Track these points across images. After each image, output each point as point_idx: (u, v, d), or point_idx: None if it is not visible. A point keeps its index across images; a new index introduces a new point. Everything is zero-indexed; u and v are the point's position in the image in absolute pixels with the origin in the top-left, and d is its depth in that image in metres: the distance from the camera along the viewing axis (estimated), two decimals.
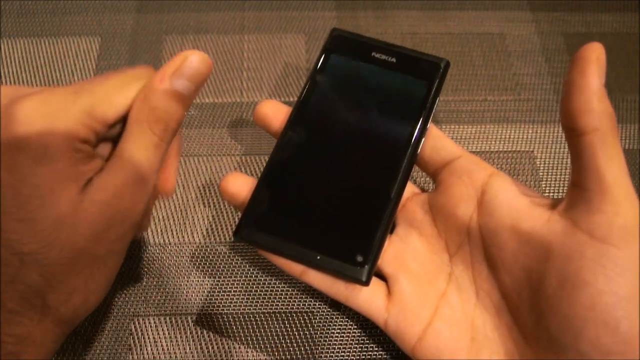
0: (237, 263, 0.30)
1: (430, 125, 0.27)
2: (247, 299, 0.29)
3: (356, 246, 0.24)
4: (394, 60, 0.28)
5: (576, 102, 0.21)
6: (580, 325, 0.20)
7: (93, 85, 0.22)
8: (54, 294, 0.20)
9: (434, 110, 0.27)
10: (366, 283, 0.24)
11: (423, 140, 0.26)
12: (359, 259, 0.24)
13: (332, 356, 0.28)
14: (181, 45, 0.38)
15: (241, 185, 0.26)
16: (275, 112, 0.28)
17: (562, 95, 0.22)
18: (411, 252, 0.26)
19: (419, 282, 0.26)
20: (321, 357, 0.28)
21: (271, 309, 0.29)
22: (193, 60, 0.22)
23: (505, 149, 0.35)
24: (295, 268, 0.25)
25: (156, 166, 0.23)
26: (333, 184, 0.26)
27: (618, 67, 0.37)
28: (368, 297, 0.25)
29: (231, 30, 0.39)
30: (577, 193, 0.21)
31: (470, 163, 0.26)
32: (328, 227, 0.25)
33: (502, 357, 0.23)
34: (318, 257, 0.24)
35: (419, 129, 0.26)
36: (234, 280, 0.30)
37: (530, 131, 0.35)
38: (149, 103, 0.22)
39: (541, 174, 0.34)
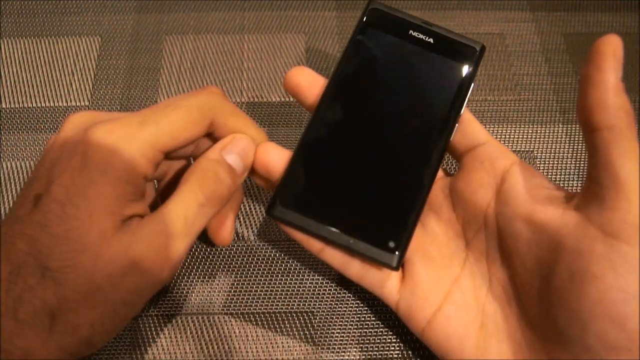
0: (237, 263, 0.30)
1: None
2: (247, 299, 0.29)
3: (389, 232, 0.24)
4: (430, 40, 0.27)
5: (591, 98, 0.20)
6: (587, 319, 0.20)
7: (159, 115, 0.22)
8: (62, 319, 0.20)
9: (469, 95, 0.26)
10: (396, 269, 0.24)
11: (456, 126, 0.26)
12: (392, 244, 0.24)
13: (332, 356, 0.28)
14: (181, 45, 0.38)
15: (278, 157, 0.25)
16: (310, 85, 0.26)
17: (578, 90, 0.21)
18: (429, 236, 0.27)
19: (434, 266, 0.26)
20: (321, 357, 0.28)
21: (271, 309, 0.29)
22: (241, 140, 0.25)
23: None
24: (314, 245, 0.25)
25: (194, 227, 0.23)
26: (368, 165, 0.25)
27: None
28: (382, 279, 0.26)
29: (231, 30, 0.39)
30: (592, 188, 0.21)
31: (495, 150, 0.26)
32: (362, 210, 0.25)
33: (509, 346, 0.24)
34: (351, 241, 0.24)
35: (454, 114, 0.26)
36: (234, 280, 0.30)
37: (530, 131, 0.35)
38: (200, 165, 0.23)
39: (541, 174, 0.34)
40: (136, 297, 0.22)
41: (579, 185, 0.33)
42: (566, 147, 0.35)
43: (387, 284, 0.26)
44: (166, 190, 0.27)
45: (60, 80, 0.36)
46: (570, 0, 0.41)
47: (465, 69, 0.27)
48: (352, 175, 0.25)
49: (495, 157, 0.25)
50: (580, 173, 0.34)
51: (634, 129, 0.20)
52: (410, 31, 0.27)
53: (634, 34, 0.39)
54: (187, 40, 0.38)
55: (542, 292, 0.22)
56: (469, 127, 0.26)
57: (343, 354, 0.28)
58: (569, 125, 0.35)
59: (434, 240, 0.26)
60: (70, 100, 0.35)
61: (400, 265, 0.24)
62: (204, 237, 0.31)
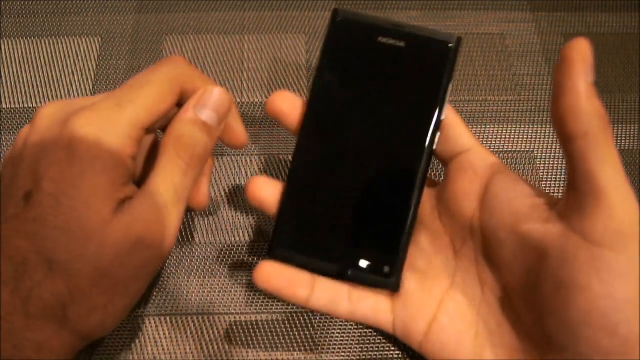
0: (237, 263, 0.30)
1: (446, 111, 0.25)
2: (247, 299, 0.29)
3: (383, 257, 0.25)
4: (402, 43, 0.26)
5: (563, 106, 0.20)
6: (578, 327, 0.20)
7: (133, 94, 0.23)
8: (74, 308, 0.20)
9: (447, 96, 0.25)
10: (397, 290, 0.25)
11: (438, 134, 0.25)
12: (386, 269, 0.25)
13: (332, 356, 0.28)
14: (181, 45, 0.38)
15: (271, 191, 0.26)
16: (290, 107, 0.26)
17: (551, 98, 0.21)
18: (417, 249, 0.26)
19: (423, 278, 0.26)
20: (321, 357, 0.28)
21: (271, 309, 0.29)
22: (213, 91, 0.25)
23: (505, 149, 0.35)
24: (300, 297, 0.25)
25: (184, 191, 0.24)
26: (356, 192, 0.26)
27: (618, 67, 0.37)
28: (372, 306, 0.26)
29: (231, 30, 0.39)
30: (572, 195, 0.21)
31: (477, 158, 0.25)
32: (356, 239, 0.26)
33: (504, 352, 0.24)
34: (349, 272, 0.25)
35: (434, 123, 0.25)
36: (234, 280, 0.30)
37: (530, 131, 0.35)
38: (175, 132, 0.24)
39: (541, 174, 0.34)
40: (143, 271, 0.23)
41: None
42: None
43: (378, 308, 0.26)
44: (144, 164, 0.27)
45: (60, 80, 0.36)
46: (570, 0, 0.41)
47: (440, 69, 0.25)
48: (342, 206, 0.26)
49: (478, 165, 0.25)
50: None
51: (609, 134, 0.20)
52: (381, 34, 0.26)
53: (634, 34, 0.39)
54: (187, 40, 0.38)
55: (531, 300, 0.22)
56: (452, 132, 0.26)
57: (343, 354, 0.28)
58: None
59: (422, 253, 0.26)
60: None
61: (399, 285, 0.25)
62: (204, 238, 0.31)
